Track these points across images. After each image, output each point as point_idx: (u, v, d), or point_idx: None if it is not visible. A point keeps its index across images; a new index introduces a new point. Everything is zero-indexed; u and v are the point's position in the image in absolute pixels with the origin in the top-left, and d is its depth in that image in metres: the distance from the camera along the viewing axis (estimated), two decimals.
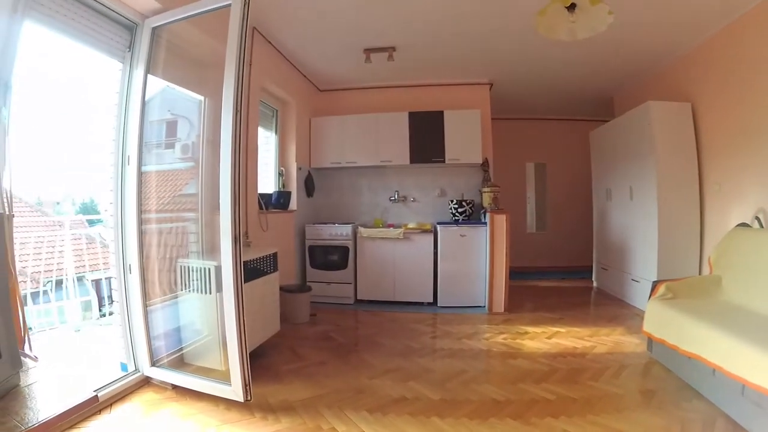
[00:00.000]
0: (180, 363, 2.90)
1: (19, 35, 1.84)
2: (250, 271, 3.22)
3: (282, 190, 4.96)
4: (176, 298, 3.02)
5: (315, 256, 5.14)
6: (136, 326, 2.77)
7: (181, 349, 2.95)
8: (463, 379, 2.88)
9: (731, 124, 3.81)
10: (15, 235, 4.21)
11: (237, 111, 2.43)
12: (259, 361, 3.19)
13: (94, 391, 2.33)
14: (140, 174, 2.77)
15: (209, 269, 2.81)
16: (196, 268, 2.87)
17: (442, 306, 4.83)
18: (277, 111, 5.04)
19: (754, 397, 2.10)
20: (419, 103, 5.37)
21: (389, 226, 5.24)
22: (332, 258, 5.10)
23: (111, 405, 2.45)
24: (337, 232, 5.08)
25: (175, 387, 2.69)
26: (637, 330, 3.76)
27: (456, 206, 5.00)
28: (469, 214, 5.00)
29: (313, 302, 5.00)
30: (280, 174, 5.06)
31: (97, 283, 4.56)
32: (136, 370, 2.77)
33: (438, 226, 4.90)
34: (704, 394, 2.52)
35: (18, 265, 4.10)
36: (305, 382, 2.87)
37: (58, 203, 8.37)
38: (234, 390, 2.48)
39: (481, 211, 4.91)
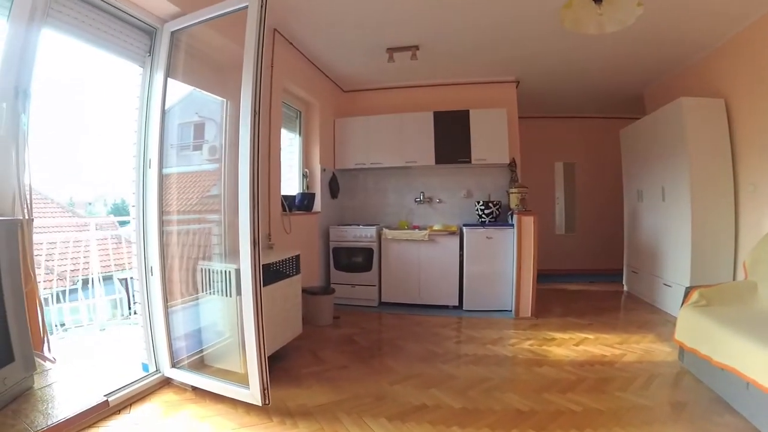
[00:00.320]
0: (200, 365, 2.91)
1: (38, 43, 1.87)
2: (272, 274, 3.21)
3: (306, 191, 4.96)
4: (198, 300, 3.04)
5: (339, 258, 5.11)
6: (157, 327, 2.79)
7: (201, 350, 2.96)
8: (486, 387, 2.77)
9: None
10: (46, 236, 4.40)
11: (255, 113, 2.41)
12: (280, 364, 3.17)
13: (105, 395, 2.33)
14: (161, 177, 2.79)
15: (230, 272, 2.81)
16: (218, 270, 2.89)
17: (467, 310, 4.71)
18: (300, 113, 5.04)
19: None
20: (444, 103, 5.25)
21: (414, 227, 5.15)
22: (356, 260, 5.05)
23: (131, 405, 2.48)
24: (362, 234, 5.03)
25: (194, 389, 2.70)
26: (668, 337, 3.57)
27: (482, 207, 4.87)
28: (496, 215, 4.86)
29: (337, 304, 4.98)
30: (304, 175, 5.06)
31: (126, 282, 4.68)
32: (157, 370, 2.80)
33: (464, 227, 4.78)
34: (737, 408, 2.35)
35: (49, 264, 4.30)
36: (325, 386, 2.82)
37: (90, 204, 8.71)
38: (252, 394, 2.45)
39: (509, 213, 4.76)
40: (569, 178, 7.39)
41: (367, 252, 5.00)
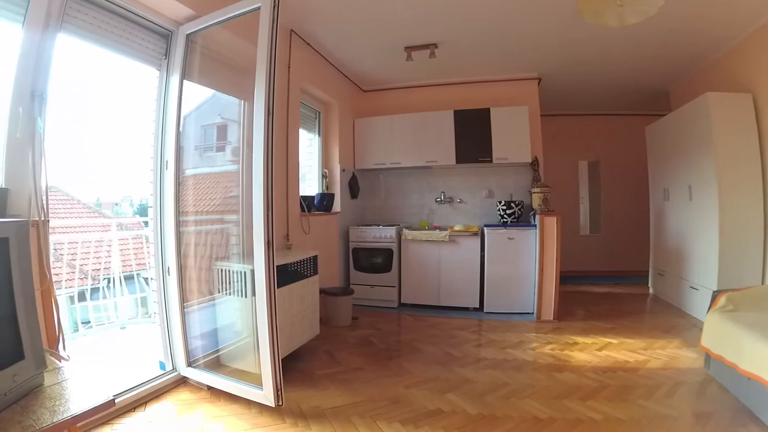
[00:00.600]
0: (217, 364, 2.93)
1: (53, 49, 1.91)
2: (289, 274, 3.21)
3: (325, 192, 4.96)
4: (216, 300, 3.07)
5: (359, 259, 5.09)
6: (173, 327, 2.83)
7: (217, 350, 2.98)
8: (504, 392, 2.68)
9: None
10: (72, 236, 4.55)
11: (269, 113, 2.41)
12: (296, 365, 3.17)
13: (119, 393, 2.42)
14: (178, 178, 2.82)
15: (246, 273, 2.82)
16: (235, 271, 2.90)
17: (488, 312, 4.61)
18: (319, 113, 5.05)
19: None
20: (464, 101, 5.16)
21: (435, 228, 5.08)
22: (376, 260, 5.02)
23: (146, 403, 2.52)
24: (381, 234, 4.99)
25: (210, 388, 2.72)
26: (694, 343, 3.42)
27: (504, 208, 4.76)
28: (518, 215, 4.74)
29: (356, 305, 4.96)
30: (324, 176, 5.06)
31: (149, 282, 4.79)
32: (173, 369, 2.84)
33: (485, 228, 4.68)
34: (764, 419, 2.21)
35: (75, 263, 4.45)
36: (340, 388, 2.80)
37: (116, 204, 8.98)
38: (265, 394, 2.45)
39: (531, 213, 4.63)
40: (594, 177, 7.18)
41: (387, 252, 4.96)
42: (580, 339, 3.74)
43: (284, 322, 3.02)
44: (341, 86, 5.16)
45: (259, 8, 2.42)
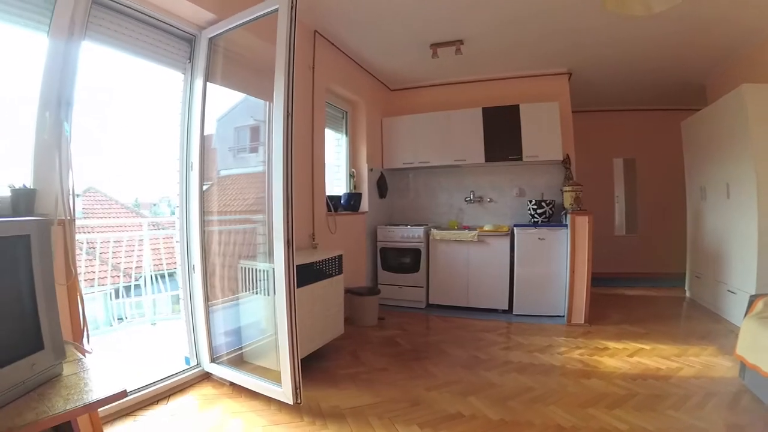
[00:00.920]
0: (240, 361, 2.98)
1: (78, 56, 1.99)
2: (314, 273, 3.23)
3: (353, 191, 4.97)
4: (240, 298, 3.12)
5: (387, 259, 5.07)
6: (198, 323, 2.90)
7: (241, 348, 3.04)
8: (528, 397, 2.59)
9: None
10: (109, 234, 4.76)
11: (288, 114, 2.44)
12: (318, 364, 3.18)
13: (135, 388, 2.50)
14: (202, 179, 2.89)
15: (268, 271, 2.86)
16: (259, 269, 2.94)
17: (517, 314, 4.48)
18: (346, 113, 5.06)
19: None
20: (493, 98, 5.03)
21: (464, 228, 4.99)
22: (404, 260, 4.99)
23: (169, 396, 2.60)
24: (409, 234, 4.95)
25: (232, 384, 2.77)
26: (730, 350, 3.18)
27: (535, 207, 4.61)
28: (549, 215, 4.58)
29: (384, 305, 4.95)
30: (351, 175, 5.08)
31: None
32: (198, 365, 2.91)
33: (515, 228, 4.55)
34: None
35: (113, 262, 4.66)
36: (361, 388, 2.79)
37: (154, 205, 9.38)
38: (284, 392, 2.47)
39: (562, 212, 4.46)
40: (630, 175, 6.84)
41: (415, 252, 4.92)
42: (611, 344, 3.57)
43: (307, 320, 3.04)
44: (368, 86, 5.16)
45: (277, 10, 2.45)
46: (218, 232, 3.21)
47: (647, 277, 6.32)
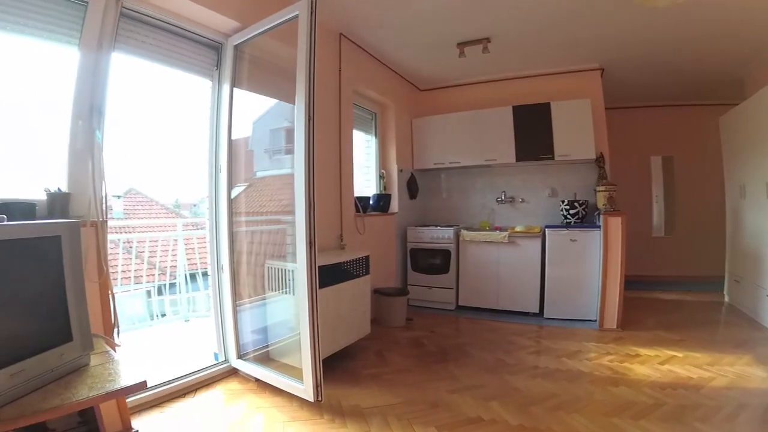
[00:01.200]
0: (266, 358, 3.06)
1: (108, 67, 2.13)
2: (340, 273, 3.27)
3: (382, 192, 4.99)
4: (270, 297, 3.21)
5: (417, 260, 5.06)
6: (226, 320, 3.01)
7: (267, 345, 3.12)
8: (551, 404, 2.51)
9: None
10: (146, 235, 5.01)
11: (309, 118, 2.49)
12: (343, 363, 3.22)
13: (162, 381, 2.62)
14: (230, 181, 3.00)
15: (294, 271, 2.92)
16: (288, 269, 3.01)
17: (548, 318, 4.35)
18: (375, 114, 5.09)
19: None
20: (523, 96, 4.91)
21: (496, 228, 4.90)
22: (434, 262, 4.96)
23: (196, 390, 2.71)
24: (439, 235, 4.92)
25: (257, 380, 2.85)
26: (766, 360, 3.03)
27: (567, 207, 4.46)
28: (583, 216, 4.41)
29: (413, 306, 4.95)
30: (381, 176, 5.10)
31: None
32: (225, 360, 3.02)
33: (546, 229, 4.42)
34: None
35: (151, 261, 4.90)
36: (383, 388, 2.80)
37: (194, 205, 9.74)
38: (305, 389, 2.53)
39: (596, 213, 4.29)
40: (668, 173, 6.46)
41: (445, 253, 4.88)
42: (642, 350, 3.40)
43: (332, 320, 3.09)
44: (397, 87, 5.16)
45: (297, 16, 2.50)
46: (250, 232, 3.30)
47: (685, 281, 6.00)
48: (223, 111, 2.93)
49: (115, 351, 2.06)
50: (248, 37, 2.79)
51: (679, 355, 3.29)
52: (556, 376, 2.93)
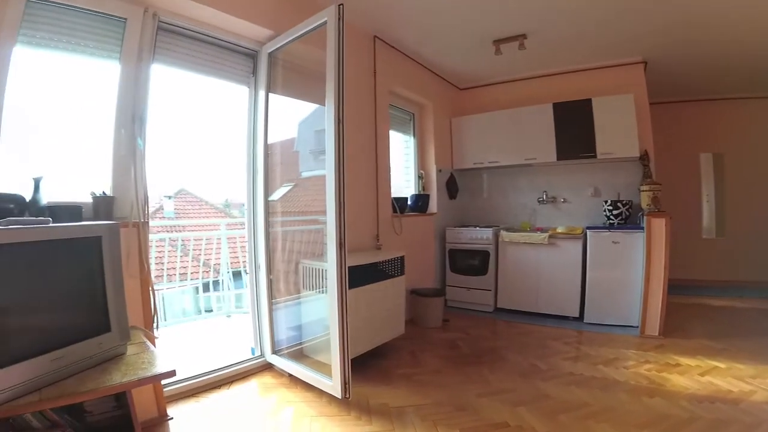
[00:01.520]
0: (300, 355, 3.16)
1: (149, 78, 2.29)
2: (374, 273, 3.31)
3: (421, 193, 4.99)
4: (307, 295, 3.29)
5: (455, 260, 5.01)
6: (262, 317, 3.14)
7: (301, 342, 3.22)
8: (581, 413, 2.41)
9: None
10: (191, 234, 5.27)
11: (339, 121, 2.54)
12: (376, 362, 3.26)
13: (200, 372, 2.78)
14: (267, 183, 3.12)
15: (327, 270, 2.99)
16: (321, 269, 3.09)
17: (588, 322, 4.17)
18: (413, 114, 5.09)
19: None
20: (563, 93, 4.72)
21: (537, 229, 4.76)
22: (472, 263, 4.89)
23: (231, 382, 2.85)
24: (477, 236, 4.85)
25: (290, 375, 2.95)
26: None
27: (610, 208, 4.25)
28: (626, 216, 4.19)
29: (451, 307, 4.92)
30: (420, 177, 5.10)
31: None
32: (261, 355, 3.15)
33: (588, 230, 4.24)
34: None
35: (197, 258, 5.17)
36: (412, 389, 2.81)
37: (243, 205, 10.19)
38: (334, 386, 2.59)
39: (639, 214, 4.06)
40: (718, 171, 5.98)
41: (484, 255, 4.80)
42: (683, 360, 3.19)
43: (365, 319, 3.14)
44: (435, 86, 5.13)
45: (326, 23, 2.57)
46: (292, 232, 3.40)
47: (736, 286, 5.56)
48: (260, 116, 3.06)
49: (154, 343, 2.22)
50: (281, 44, 2.90)
51: (722, 366, 3.06)
52: (589, 384, 2.82)
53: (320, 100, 3.48)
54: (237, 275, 5.12)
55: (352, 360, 2.74)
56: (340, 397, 2.55)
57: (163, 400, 2.30)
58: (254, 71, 3.07)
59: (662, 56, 4.41)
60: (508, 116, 4.91)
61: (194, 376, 2.71)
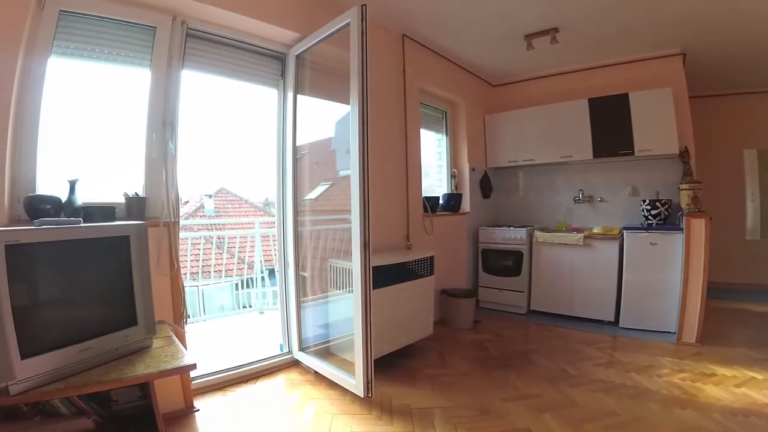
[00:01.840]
0: (327, 353, 3.21)
1: (179, 83, 2.40)
2: (403, 273, 3.31)
3: (453, 192, 4.93)
4: (335, 294, 3.33)
5: (488, 261, 4.92)
6: (291, 314, 3.21)
7: (328, 340, 3.26)
8: (608, 423, 2.31)
9: None
10: (226, 232, 5.44)
11: (363, 121, 2.56)
12: (403, 361, 3.26)
13: (229, 367, 2.88)
14: (296, 183, 3.18)
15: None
16: (347, 268, 3.12)
17: (623, 327, 3.97)
18: (446, 113, 5.04)
19: None
20: (598, 88, 4.51)
21: (573, 230, 4.59)
22: (506, 263, 4.79)
23: (258, 377, 2.94)
24: (511, 236, 4.74)
25: (317, 373, 3.00)
26: None
27: (648, 207, 4.03)
28: (665, 217, 3.96)
29: (484, 308, 4.84)
30: (453, 176, 5.04)
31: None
32: (289, 352, 3.22)
33: (624, 231, 4.05)
34: None
35: (241, 256, 5.34)
36: (436, 390, 2.79)
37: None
38: (356, 385, 2.61)
39: (678, 214, 3.84)
40: (764, 168, 5.53)
41: (517, 255, 4.69)
42: (719, 369, 3.00)
43: (392, 318, 3.14)
44: (467, 84, 5.05)
45: (349, 24, 2.59)
46: (324, 231, 3.45)
47: None
48: (288, 117, 3.12)
49: (182, 338, 2.32)
50: (307, 47, 2.94)
51: (759, 377, 2.85)
52: (619, 392, 2.69)
53: (348, 101, 3.55)
54: (272, 273, 5.25)
55: (377, 359, 2.76)
56: (362, 395, 2.57)
57: (190, 393, 2.40)
58: (282, 73, 3.14)
59: (702, 47, 4.13)
60: (543, 113, 4.77)
61: (222, 370, 2.81)
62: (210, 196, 9.24)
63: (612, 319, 4.12)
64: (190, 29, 2.48)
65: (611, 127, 4.26)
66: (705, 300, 3.51)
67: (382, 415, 2.46)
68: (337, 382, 2.81)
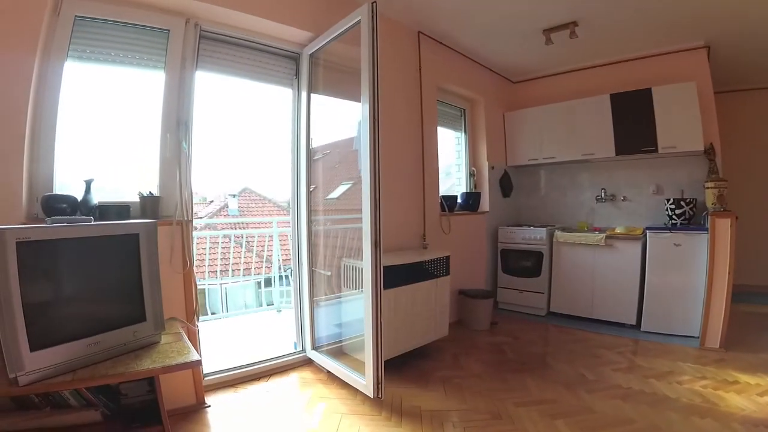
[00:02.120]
0: (339, 352, 3.21)
1: (193, 85, 2.44)
2: (418, 273, 3.28)
3: (472, 191, 4.86)
4: (349, 294, 3.33)
5: (507, 261, 4.83)
6: (304, 314, 3.22)
7: (341, 340, 3.26)
8: (623, 431, 2.23)
9: None
10: (243, 231, 5.50)
11: (374, 120, 2.55)
12: (417, 362, 3.23)
13: (241, 364, 2.92)
14: (309, 181, 3.19)
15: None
16: (360, 267, 3.11)
17: (645, 331, 3.83)
18: (464, 110, 4.97)
19: None
20: (620, 83, 4.35)
21: (595, 229, 4.46)
22: (525, 264, 4.69)
23: (271, 375, 2.96)
24: (531, 236, 4.64)
25: (329, 372, 3.01)
26: None
27: (673, 207, 3.87)
28: (690, 216, 3.80)
29: (502, 309, 4.77)
30: (471, 174, 4.97)
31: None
32: (302, 350, 3.24)
33: (647, 231, 3.90)
34: None
35: (265, 254, 5.40)
36: (449, 393, 2.76)
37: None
38: (366, 385, 2.60)
39: (704, 213, 3.68)
40: None
41: (537, 255, 4.59)
42: (742, 377, 2.85)
43: (404, 319, 3.12)
44: (486, 80, 4.96)
45: (359, 22, 2.58)
46: (342, 230, 3.44)
47: None
48: (302, 116, 3.14)
49: (194, 334, 2.36)
50: (319, 46, 2.95)
51: None
52: (637, 399, 2.59)
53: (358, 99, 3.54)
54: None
55: (390, 360, 2.74)
56: (372, 396, 2.56)
57: (201, 389, 2.44)
58: (297, 73, 3.15)
59: (727, 39, 3.94)
60: (564, 109, 4.64)
61: (235, 367, 2.85)
62: (234, 196, 9.43)
63: (634, 322, 3.98)
64: (204, 31, 2.52)
65: (634, 123, 4.10)
66: (729, 304, 3.36)
67: (391, 416, 2.44)
68: (348, 381, 2.81)
